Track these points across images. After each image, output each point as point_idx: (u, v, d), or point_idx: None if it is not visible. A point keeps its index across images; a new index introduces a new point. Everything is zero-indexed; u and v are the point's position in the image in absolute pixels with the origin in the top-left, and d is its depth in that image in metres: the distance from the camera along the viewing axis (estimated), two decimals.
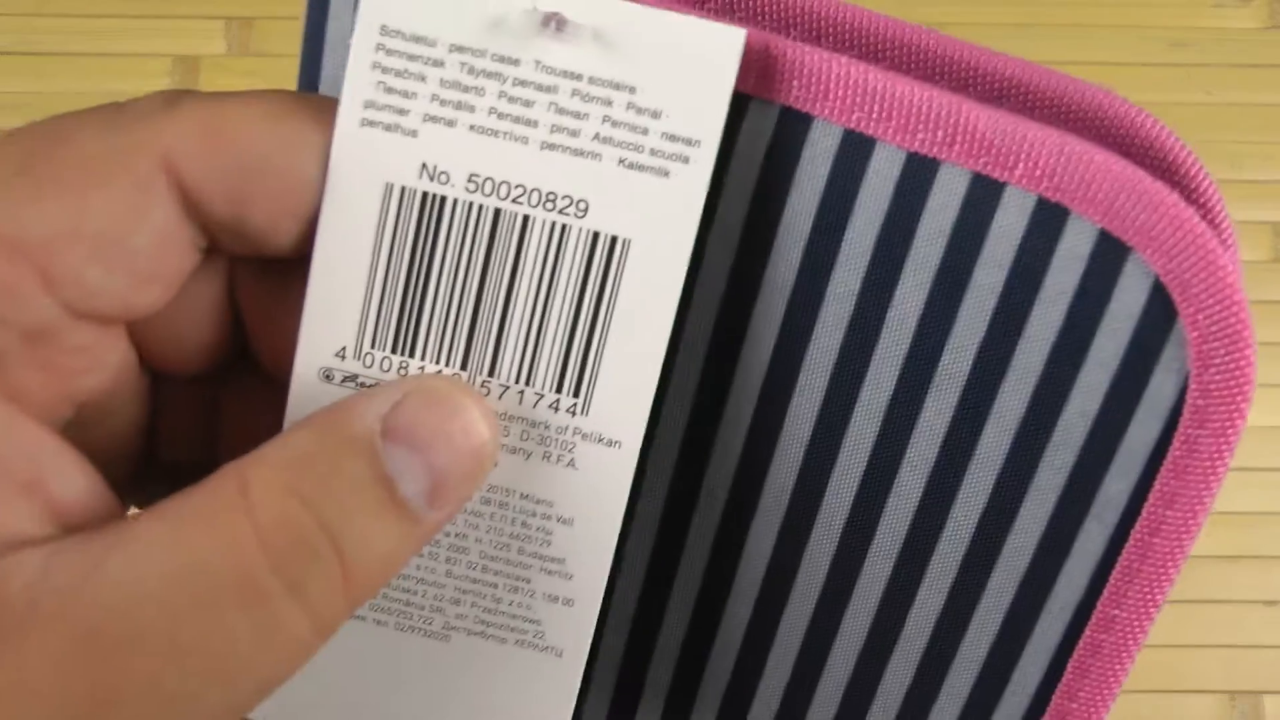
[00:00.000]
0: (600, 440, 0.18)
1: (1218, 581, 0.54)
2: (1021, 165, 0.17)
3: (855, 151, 0.18)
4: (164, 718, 0.14)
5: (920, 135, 0.17)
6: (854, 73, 0.17)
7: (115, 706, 0.14)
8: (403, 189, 0.17)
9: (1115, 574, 0.18)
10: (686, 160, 0.17)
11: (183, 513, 0.14)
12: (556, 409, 0.18)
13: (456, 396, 0.16)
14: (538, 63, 0.17)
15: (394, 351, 0.17)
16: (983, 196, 0.17)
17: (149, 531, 0.14)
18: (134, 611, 0.14)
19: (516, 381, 0.17)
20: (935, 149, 0.17)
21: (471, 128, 0.17)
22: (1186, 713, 0.53)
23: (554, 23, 0.17)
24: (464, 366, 0.17)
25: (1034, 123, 0.17)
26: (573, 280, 0.17)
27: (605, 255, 0.17)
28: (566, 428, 0.18)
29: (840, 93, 0.17)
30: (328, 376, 0.17)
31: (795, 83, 0.18)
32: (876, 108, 0.17)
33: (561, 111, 0.17)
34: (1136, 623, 0.19)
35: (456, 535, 0.18)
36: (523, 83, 0.17)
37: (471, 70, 0.17)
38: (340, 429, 0.15)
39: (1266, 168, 0.58)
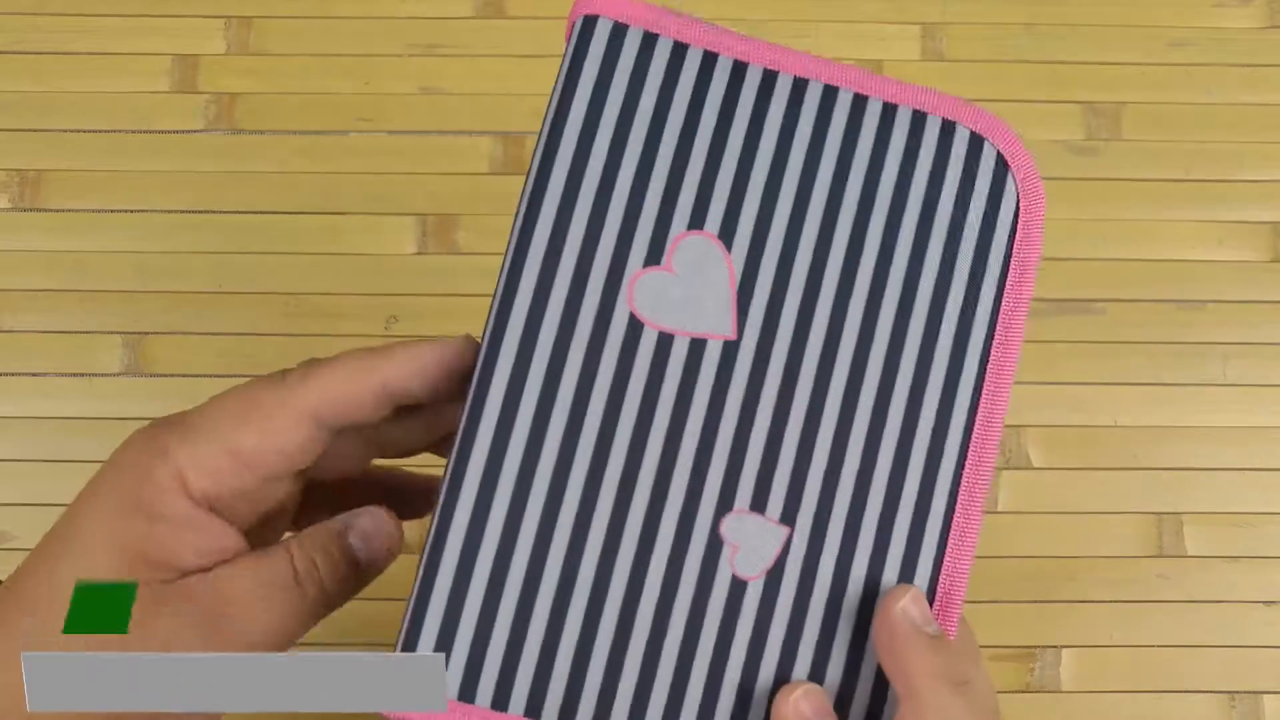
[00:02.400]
0: None
1: (1218, 581, 0.54)
2: (893, 92, 0.29)
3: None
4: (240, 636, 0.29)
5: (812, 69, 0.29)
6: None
7: (220, 631, 0.29)
8: None
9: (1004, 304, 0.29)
10: None
11: (262, 556, 0.30)
12: None
13: (381, 513, 0.32)
14: None
15: None
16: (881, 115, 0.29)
17: (246, 561, 0.30)
18: (233, 601, 0.29)
19: None
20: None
21: None
22: (1186, 713, 0.53)
23: None
24: None
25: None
26: None
27: None
28: None
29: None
30: None
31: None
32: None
33: None
34: (1009, 355, 0.28)
35: None
36: None
37: None
38: (327, 526, 0.31)
39: (1266, 168, 0.58)
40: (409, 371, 0.29)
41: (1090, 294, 0.56)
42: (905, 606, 0.26)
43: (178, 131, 0.58)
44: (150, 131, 0.58)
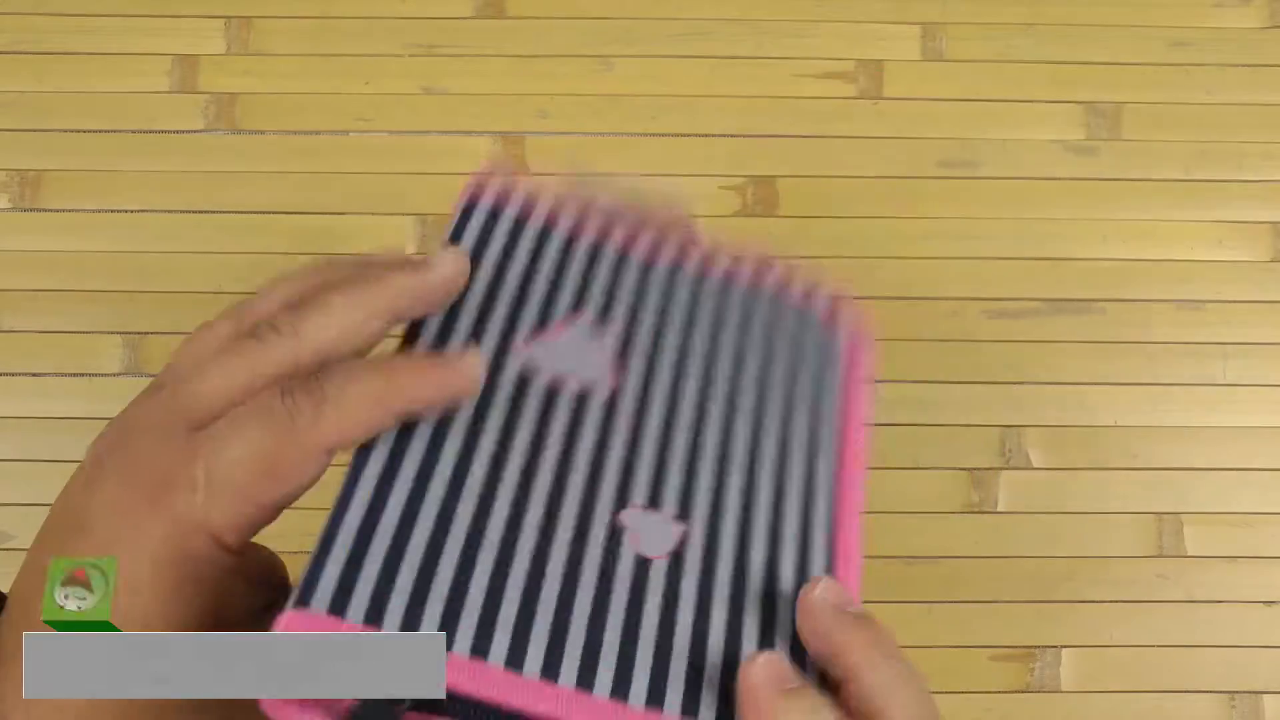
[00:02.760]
0: None
1: (1218, 581, 0.54)
2: None
3: None
4: None
5: None
6: None
7: None
8: None
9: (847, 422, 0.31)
10: None
11: None
12: None
13: None
14: None
15: None
16: None
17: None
18: None
19: None
20: None
21: None
22: (1186, 712, 0.53)
23: None
24: None
25: None
26: None
27: None
28: None
29: None
30: None
31: None
32: None
33: None
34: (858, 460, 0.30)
35: None
36: None
37: None
38: None
39: (1266, 168, 0.58)
40: (430, 393, 0.29)
41: (1090, 294, 0.56)
42: (822, 592, 0.27)
43: (178, 131, 0.58)
44: (150, 131, 0.58)
